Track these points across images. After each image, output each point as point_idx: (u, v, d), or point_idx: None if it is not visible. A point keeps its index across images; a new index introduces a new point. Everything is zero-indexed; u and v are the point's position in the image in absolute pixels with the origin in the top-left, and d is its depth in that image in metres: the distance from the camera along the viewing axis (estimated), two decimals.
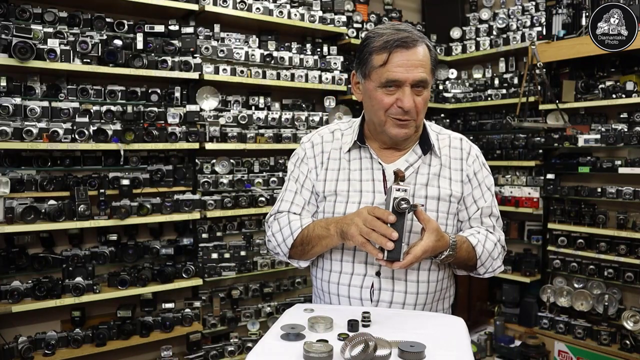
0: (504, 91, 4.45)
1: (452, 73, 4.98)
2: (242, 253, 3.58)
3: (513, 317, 4.22)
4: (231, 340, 3.50)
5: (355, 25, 4.17)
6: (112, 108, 3.08)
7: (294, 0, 3.90)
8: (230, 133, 3.50)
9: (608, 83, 3.74)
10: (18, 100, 2.78)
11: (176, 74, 3.22)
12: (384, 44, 1.32)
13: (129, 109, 3.18)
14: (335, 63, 4.01)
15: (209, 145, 3.36)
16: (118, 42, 3.07)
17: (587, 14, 3.75)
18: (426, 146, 1.46)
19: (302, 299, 3.82)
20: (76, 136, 2.85)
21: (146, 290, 3.09)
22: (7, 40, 2.68)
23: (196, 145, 3.32)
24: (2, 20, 2.76)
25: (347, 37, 4.08)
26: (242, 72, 3.56)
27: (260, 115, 3.67)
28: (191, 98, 3.40)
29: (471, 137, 4.69)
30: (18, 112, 2.76)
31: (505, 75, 4.54)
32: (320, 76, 3.88)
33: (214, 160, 3.57)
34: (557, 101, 3.84)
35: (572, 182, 4.02)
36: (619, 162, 3.58)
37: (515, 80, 4.42)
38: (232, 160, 3.63)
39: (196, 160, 3.48)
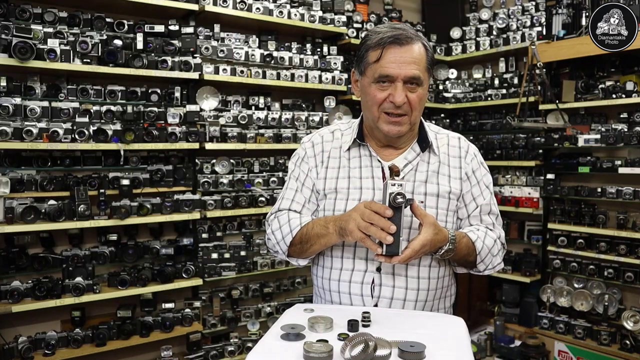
0: (504, 91, 4.45)
1: (452, 73, 4.98)
2: (242, 253, 3.58)
3: (513, 317, 4.22)
4: (231, 340, 3.50)
5: (355, 25, 4.17)
6: (112, 108, 3.08)
7: (294, 0, 3.90)
8: (230, 133, 3.50)
9: (608, 83, 3.74)
10: (18, 100, 2.78)
11: (176, 74, 3.23)
12: (379, 40, 1.36)
13: (129, 109, 3.18)
14: (335, 63, 4.01)
15: (209, 145, 3.36)
16: (118, 42, 3.07)
17: (587, 14, 3.75)
18: (424, 144, 1.48)
19: (302, 299, 3.82)
20: (76, 136, 2.85)
21: (146, 290, 3.09)
22: (7, 40, 2.68)
23: (196, 145, 3.32)
24: (2, 20, 2.76)
25: (347, 37, 4.08)
26: (242, 72, 3.56)
27: (260, 115, 3.67)
28: (191, 98, 3.40)
29: (471, 137, 4.72)
30: (18, 112, 2.76)
31: (505, 75, 4.54)
32: (320, 76, 3.88)
33: (214, 160, 3.57)
34: (557, 101, 3.84)
35: (572, 182, 4.02)
36: (619, 162, 3.58)
37: (515, 80, 4.42)
38: (232, 160, 3.63)
39: (196, 160, 3.48)
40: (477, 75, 4.86)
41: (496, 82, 4.57)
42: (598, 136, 3.68)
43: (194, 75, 3.29)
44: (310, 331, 1.13)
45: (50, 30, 2.90)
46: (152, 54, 3.19)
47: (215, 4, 3.39)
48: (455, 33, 4.82)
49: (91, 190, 2.97)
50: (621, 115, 3.71)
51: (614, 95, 3.61)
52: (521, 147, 4.26)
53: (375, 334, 1.02)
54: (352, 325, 1.15)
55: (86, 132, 2.87)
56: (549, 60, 3.87)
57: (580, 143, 3.78)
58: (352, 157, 1.50)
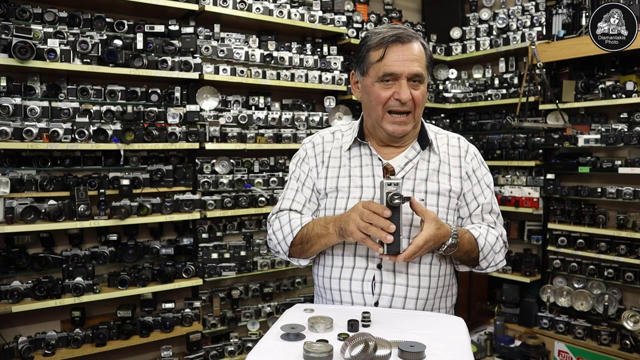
0: (504, 91, 4.45)
1: (452, 73, 4.98)
2: (242, 253, 3.58)
3: (513, 317, 4.22)
4: (231, 340, 3.50)
5: (355, 25, 4.17)
6: (112, 108, 3.08)
7: (294, 0, 3.90)
8: (230, 133, 3.50)
9: (608, 83, 3.74)
10: (18, 100, 2.78)
11: (176, 74, 3.23)
12: (380, 40, 1.37)
13: (129, 109, 3.18)
14: (335, 63, 4.01)
15: (209, 145, 3.36)
16: (118, 42, 3.07)
17: (587, 14, 3.75)
18: (424, 142, 1.49)
19: (302, 299, 3.82)
20: (76, 136, 2.85)
21: (146, 290, 3.09)
22: (7, 40, 2.68)
23: (196, 145, 3.32)
24: (2, 20, 2.76)
25: (347, 37, 4.08)
26: (242, 72, 3.56)
27: (260, 115, 3.67)
28: (191, 98, 3.40)
29: (471, 137, 4.74)
30: (18, 112, 2.76)
31: (505, 75, 4.54)
32: (320, 76, 3.88)
33: (214, 160, 3.57)
34: (557, 101, 3.84)
35: (572, 182, 4.02)
36: (619, 162, 3.58)
37: (515, 80, 4.42)
38: (232, 160, 3.63)
39: (196, 160, 3.48)
40: (477, 75, 4.86)
41: (496, 82, 4.57)
42: (598, 136, 3.68)
43: (194, 75, 3.29)
44: (310, 331, 1.13)
45: (50, 30, 2.90)
46: (152, 54, 3.19)
47: (215, 4, 3.39)
48: (455, 33, 4.82)
49: (91, 190, 2.97)
50: (621, 115, 3.71)
51: (614, 95, 3.61)
52: (521, 147, 4.26)
53: (375, 334, 1.02)
54: (352, 325, 1.15)
55: (86, 132, 2.87)
56: (549, 60, 3.87)
57: (580, 143, 3.78)
58: (353, 156, 1.51)
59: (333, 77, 3.93)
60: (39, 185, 2.88)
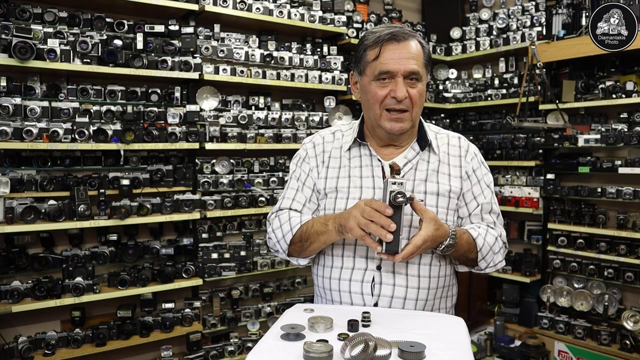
0: (504, 91, 4.45)
1: (452, 73, 4.98)
2: (242, 253, 3.58)
3: (513, 317, 4.22)
4: (231, 340, 3.50)
5: (355, 25, 4.17)
6: (112, 108, 3.08)
7: (294, 0, 3.90)
8: (230, 133, 3.50)
9: (608, 83, 3.74)
10: (18, 100, 2.77)
11: (176, 74, 3.23)
12: (376, 39, 1.38)
13: (129, 109, 3.18)
14: (335, 63, 4.01)
15: (209, 145, 3.36)
16: (118, 42, 3.07)
17: (587, 14, 3.75)
18: (424, 142, 1.49)
19: (302, 299, 3.82)
20: (76, 136, 2.85)
21: (146, 290, 3.09)
22: (7, 40, 2.68)
23: (196, 145, 3.32)
24: (2, 20, 2.76)
25: (347, 37, 4.08)
26: (242, 72, 3.56)
27: (260, 115, 3.67)
28: (191, 98, 3.40)
29: (471, 137, 4.72)
30: (18, 112, 2.76)
31: (505, 75, 4.54)
32: (320, 76, 3.88)
33: (214, 160, 3.57)
34: (557, 101, 3.84)
35: (572, 182, 4.02)
36: (619, 162, 3.58)
37: (515, 80, 4.42)
38: (232, 160, 3.63)
39: (196, 160, 3.48)
40: (477, 75, 4.86)
41: (496, 82, 4.57)
42: (598, 136, 3.68)
43: (194, 75, 3.29)
44: (310, 331, 1.13)
45: (50, 30, 2.90)
46: (152, 54, 3.19)
47: (215, 4, 3.39)
48: (455, 33, 4.82)
49: (91, 190, 2.97)
50: (621, 115, 3.71)
51: (614, 95, 3.61)
52: (521, 147, 4.26)
53: (375, 334, 1.02)
54: (352, 325, 1.15)
55: (86, 132, 2.87)
56: (549, 60, 3.87)
57: (580, 143, 3.78)
58: (353, 156, 1.51)
59: (333, 77, 3.93)
60: (39, 185, 2.88)
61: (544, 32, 4.11)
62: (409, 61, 1.35)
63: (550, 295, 3.95)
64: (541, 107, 3.99)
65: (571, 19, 3.90)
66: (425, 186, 1.44)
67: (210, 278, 3.45)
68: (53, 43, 2.80)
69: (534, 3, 4.33)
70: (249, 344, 3.51)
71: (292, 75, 3.78)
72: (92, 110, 3.03)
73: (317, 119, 3.90)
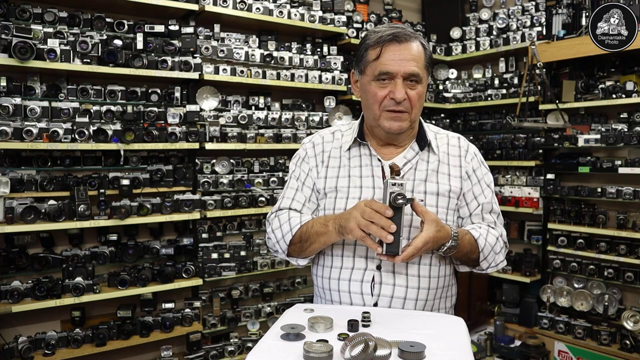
0: (504, 91, 4.45)
1: (452, 73, 4.98)
2: (242, 253, 3.58)
3: (513, 317, 4.22)
4: (231, 340, 3.50)
5: (355, 25, 4.17)
6: (112, 108, 3.08)
7: (294, 0, 3.90)
8: (230, 133, 3.50)
9: (608, 83, 3.74)
10: (18, 100, 2.77)
11: (176, 74, 3.23)
12: (378, 39, 1.37)
13: (129, 109, 3.18)
14: (335, 63, 4.01)
15: (209, 145, 3.36)
16: (118, 42, 3.07)
17: (587, 14, 3.75)
18: (423, 142, 1.49)
19: (302, 299, 3.82)
20: (76, 136, 2.85)
21: (146, 290, 3.09)
22: (7, 40, 2.68)
23: (196, 145, 3.32)
24: (2, 20, 2.76)
25: (347, 37, 4.08)
26: (242, 72, 3.56)
27: (260, 115, 3.67)
28: (191, 98, 3.40)
29: (471, 137, 4.73)
30: (18, 112, 2.76)
31: (505, 75, 4.54)
32: (320, 76, 3.88)
33: (214, 160, 3.57)
34: (557, 101, 3.84)
35: (572, 182, 4.02)
36: (619, 162, 3.58)
37: (515, 80, 4.42)
38: (232, 160, 3.63)
39: (196, 160, 3.48)
40: (477, 75, 4.86)
41: (496, 82, 4.57)
42: (598, 136, 3.68)
43: (194, 75, 3.29)
44: (310, 331, 1.13)
45: (50, 30, 2.90)
46: (152, 54, 3.19)
47: (215, 4, 3.39)
48: (455, 33, 4.82)
49: (91, 190, 2.97)
50: (621, 115, 3.71)
51: (614, 95, 3.61)
52: (521, 147, 4.26)
53: (375, 334, 1.02)
54: (352, 325, 1.15)
55: (86, 132, 2.87)
56: (549, 60, 3.87)
57: (580, 143, 3.78)
58: (353, 156, 1.51)
59: (333, 77, 3.93)
60: (39, 185, 2.88)
61: (544, 32, 4.11)
62: (409, 63, 1.35)
63: (550, 295, 3.95)
64: (541, 107, 3.99)
65: (571, 19, 3.90)
66: (425, 186, 1.44)
67: (210, 278, 3.45)
68: (53, 43, 2.80)
69: (534, 3, 4.33)
70: (249, 344, 3.51)
71: (292, 75, 3.78)
72: (92, 110, 3.03)
73: (317, 119, 3.90)
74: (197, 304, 3.37)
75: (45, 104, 2.86)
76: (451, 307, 1.53)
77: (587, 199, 3.80)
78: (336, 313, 1.21)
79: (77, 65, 2.88)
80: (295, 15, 3.77)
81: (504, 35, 4.42)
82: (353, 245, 1.43)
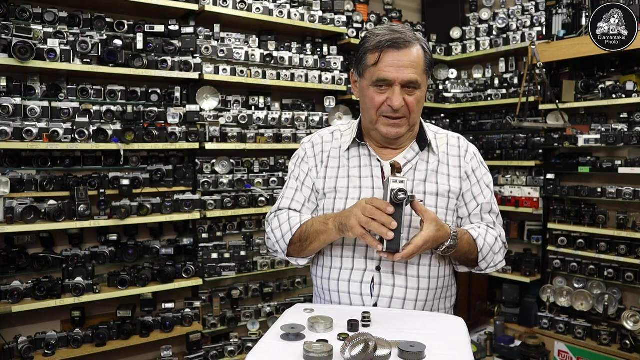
0: (504, 91, 4.45)
1: (452, 73, 4.98)
2: (242, 253, 3.58)
3: (513, 317, 4.22)
4: (231, 340, 3.50)
5: (355, 25, 4.17)
6: (112, 108, 3.08)
7: (294, 0, 3.90)
8: (230, 133, 3.50)
9: (608, 83, 3.74)
10: (18, 100, 2.77)
11: (176, 74, 3.23)
12: (377, 44, 1.36)
13: (129, 109, 3.18)
14: (335, 63, 4.01)
15: (209, 145, 3.36)
16: (118, 42, 3.07)
17: (587, 14, 3.75)
18: (423, 143, 1.49)
19: (302, 299, 3.82)
20: (76, 136, 2.85)
21: (146, 290, 3.09)
22: (7, 40, 2.68)
23: (196, 145, 3.32)
24: (2, 20, 2.76)
25: (347, 37, 4.08)
26: (242, 72, 3.56)
27: (260, 115, 3.67)
28: (191, 98, 3.40)
29: (471, 137, 4.73)
30: (18, 112, 2.76)
31: (505, 75, 4.54)
32: (320, 76, 3.88)
33: (214, 160, 3.57)
34: (557, 101, 3.84)
35: (572, 182, 4.02)
36: (619, 162, 3.58)
37: (515, 80, 4.42)
38: (232, 160, 3.63)
39: (196, 160, 3.48)
40: (477, 75, 4.86)
41: (496, 82, 4.57)
42: (598, 136, 3.68)
43: (194, 75, 3.29)
44: (310, 331, 1.13)
45: (50, 30, 2.90)
46: (152, 54, 3.19)
47: (215, 4, 3.39)
48: (455, 33, 4.82)
49: (91, 190, 2.97)
50: (621, 115, 3.71)
51: (614, 95, 3.61)
52: (521, 147, 4.26)
53: (375, 334, 1.02)
54: (352, 325, 1.15)
55: (86, 132, 2.87)
56: (549, 60, 3.87)
57: (580, 143, 3.78)
58: (352, 156, 1.51)
59: (333, 77, 3.93)
60: (39, 185, 2.88)
61: (544, 32, 4.11)
62: (407, 70, 1.34)
63: (550, 295, 3.95)
64: (541, 107, 3.99)
65: (571, 19, 3.90)
66: (424, 186, 1.44)
67: (210, 278, 3.45)
68: (53, 43, 2.80)
69: (534, 3, 4.33)
70: (249, 344, 3.51)
71: (292, 75, 3.78)
72: (92, 110, 3.03)
73: (317, 119, 3.90)
74: (197, 304, 3.37)
75: (45, 104, 2.86)
76: (451, 308, 1.53)
77: (587, 199, 3.80)
78: (336, 313, 1.21)
79: (77, 65, 2.88)
80: (295, 15, 3.77)
81: (504, 35, 4.42)
82: (353, 246, 1.43)
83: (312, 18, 3.85)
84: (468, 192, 1.49)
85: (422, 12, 5.08)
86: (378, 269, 1.40)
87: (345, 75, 3.98)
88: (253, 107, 3.79)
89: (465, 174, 1.49)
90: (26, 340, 2.77)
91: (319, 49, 4.05)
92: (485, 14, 4.69)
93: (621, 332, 3.54)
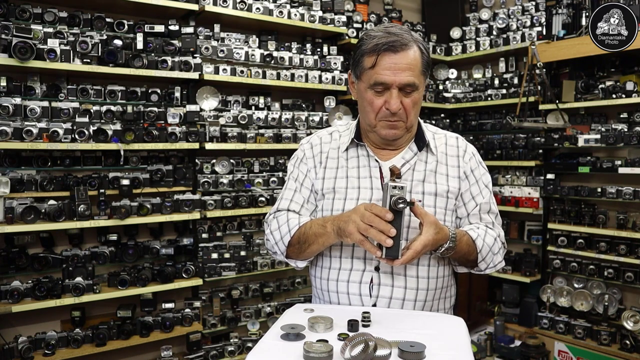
0: (504, 91, 4.45)
1: (452, 73, 4.98)
2: (242, 253, 3.58)
3: (513, 317, 4.22)
4: (231, 340, 3.50)
5: (355, 25, 4.17)
6: (112, 108, 3.08)
7: (294, 0, 3.90)
8: (230, 133, 3.50)
9: (608, 83, 3.74)
10: (18, 100, 2.77)
11: (176, 74, 3.23)
12: (374, 46, 1.35)
13: (129, 109, 3.18)
14: (335, 63, 4.01)
15: (209, 145, 3.36)
16: (118, 42, 3.07)
17: (587, 14, 3.75)
18: (421, 143, 1.49)
19: (302, 299, 3.82)
20: (76, 136, 2.85)
21: (146, 290, 3.09)
22: (7, 40, 2.68)
23: (196, 145, 3.32)
24: (2, 20, 2.76)
25: (347, 37, 4.08)
26: (242, 72, 3.56)
27: (260, 115, 3.67)
28: (191, 98, 3.40)
29: (471, 137, 4.73)
30: (18, 112, 2.76)
31: (505, 75, 4.54)
32: (320, 76, 3.88)
33: (214, 160, 3.57)
34: (557, 101, 3.84)
35: (572, 182, 4.02)
36: (619, 162, 3.58)
37: (515, 80, 4.42)
38: (232, 160, 3.63)
39: (196, 160, 3.48)
40: (477, 75, 4.86)
41: (496, 82, 4.57)
42: (598, 136, 3.68)
43: (194, 75, 3.29)
44: (310, 331, 1.13)
45: (50, 30, 2.90)
46: (152, 54, 3.19)
47: (215, 4, 3.39)
48: (455, 33, 4.82)
49: (91, 190, 2.97)
50: (621, 115, 3.71)
51: (614, 95, 3.61)
52: (521, 147, 4.26)
53: (375, 334, 1.02)
54: (352, 325, 1.15)
55: (86, 132, 2.87)
56: (549, 60, 3.87)
57: (580, 143, 3.78)
58: (350, 157, 1.51)
59: (333, 77, 3.93)
60: (39, 185, 2.88)
61: (544, 32, 4.11)
62: (404, 73, 1.34)
63: (550, 295, 3.95)
64: (541, 107, 3.99)
65: (571, 19, 3.90)
66: (423, 187, 1.44)
67: (210, 278, 3.45)
68: (53, 43, 2.80)
69: (534, 3, 4.33)
70: (249, 344, 3.51)
71: (292, 75, 3.78)
72: (92, 110, 3.03)
73: (317, 119, 3.90)
74: (197, 304, 3.37)
75: (45, 104, 2.86)
76: (450, 308, 1.53)
77: (587, 199, 3.80)
78: (336, 313, 1.21)
79: (77, 65, 2.88)
80: (295, 15, 3.77)
81: (504, 35, 4.42)
82: (351, 247, 1.43)
83: (312, 18, 3.85)
84: (467, 192, 1.48)
85: (422, 12, 5.08)
86: (377, 269, 1.40)
87: (345, 75, 3.98)
88: (253, 107, 3.79)
89: (463, 174, 1.49)
90: (26, 340, 2.77)
91: (319, 49, 4.05)
92: (485, 14, 4.69)
93: (621, 332, 3.54)
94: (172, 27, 3.32)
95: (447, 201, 1.45)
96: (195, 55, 3.37)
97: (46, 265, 2.91)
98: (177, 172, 3.35)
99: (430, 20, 4.97)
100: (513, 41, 4.32)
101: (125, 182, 3.06)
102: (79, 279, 2.86)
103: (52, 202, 2.85)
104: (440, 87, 4.90)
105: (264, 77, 3.66)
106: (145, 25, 3.22)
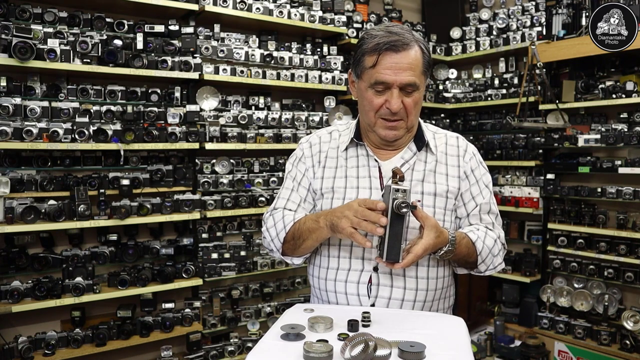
0: (504, 91, 4.45)
1: (452, 73, 4.98)
2: (242, 253, 3.58)
3: (513, 317, 4.22)
4: (231, 340, 3.50)
5: (355, 25, 4.17)
6: (112, 108, 3.08)
7: (294, 0, 3.90)
8: (230, 133, 3.50)
9: (608, 83, 3.74)
10: (18, 100, 2.77)
11: (176, 74, 3.23)
12: (375, 46, 1.35)
13: (129, 109, 3.18)
14: (335, 63, 4.01)
15: (209, 145, 3.36)
16: (118, 42, 3.07)
17: (587, 14, 3.75)
18: (421, 143, 1.49)
19: (302, 299, 3.82)
20: (76, 136, 2.85)
21: (146, 290, 3.09)
22: (7, 40, 2.68)
23: (196, 145, 3.32)
24: (2, 20, 2.76)
25: (347, 37, 4.07)
26: (242, 72, 3.56)
27: (260, 115, 3.67)
28: (191, 98, 3.40)
29: (471, 137, 4.73)
30: (18, 112, 2.76)
31: (505, 75, 4.53)
32: (320, 76, 3.88)
33: (214, 160, 3.57)
34: (557, 101, 3.84)
35: (572, 182, 4.02)
36: (619, 162, 3.58)
37: (515, 80, 4.42)
38: (232, 160, 3.63)
39: (196, 160, 3.48)
40: (477, 75, 4.86)
41: (496, 82, 4.56)
42: (598, 136, 3.68)
43: (194, 75, 3.29)
44: (310, 331, 1.13)
45: (50, 30, 2.90)
46: (152, 54, 3.19)
47: (215, 4, 3.39)
48: (455, 33, 4.82)
49: (91, 190, 2.97)
50: (621, 115, 3.71)
51: (614, 95, 3.61)
52: (521, 147, 4.26)
53: (375, 334, 1.02)
54: (352, 325, 1.15)
55: (86, 132, 2.87)
56: (549, 60, 3.87)
57: (580, 143, 3.77)
58: (350, 156, 1.51)
59: (333, 77, 3.93)
60: (39, 185, 2.88)
61: (544, 32, 4.11)
62: (405, 73, 1.34)
63: (550, 295, 3.95)
64: (541, 107, 3.99)
65: (571, 19, 3.90)
66: (422, 186, 1.44)
67: (210, 278, 3.45)
68: (53, 43, 2.80)
69: (534, 3, 4.33)
70: (249, 344, 3.51)
71: (292, 75, 3.78)
72: (92, 110, 3.03)
73: (317, 119, 3.90)
74: (197, 304, 3.37)
75: (45, 104, 2.86)
76: (449, 308, 1.53)
77: (587, 199, 3.80)
78: (336, 313, 1.21)
79: (77, 65, 2.88)
80: (295, 15, 3.77)
81: (504, 35, 4.42)
82: (349, 246, 1.43)
83: (312, 18, 3.85)
84: (467, 192, 1.48)
85: (422, 12, 5.08)
86: (375, 269, 1.39)
87: (345, 75, 3.98)
88: (253, 107, 3.79)
89: (464, 174, 1.48)
90: (26, 340, 2.77)
91: (319, 49, 4.05)
92: (485, 14, 4.69)
93: (621, 332, 3.54)
94: (172, 27, 3.32)
95: (447, 201, 1.45)
96: (195, 55, 3.37)
97: (46, 265, 2.91)
98: (177, 172, 3.35)
99: (430, 20, 4.97)
100: (513, 41, 4.32)
101: (125, 182, 3.06)
102: (79, 279, 2.86)
103: (52, 202, 2.85)
104: (440, 87, 4.90)
105: (264, 77, 3.66)
106: (145, 25, 3.22)
